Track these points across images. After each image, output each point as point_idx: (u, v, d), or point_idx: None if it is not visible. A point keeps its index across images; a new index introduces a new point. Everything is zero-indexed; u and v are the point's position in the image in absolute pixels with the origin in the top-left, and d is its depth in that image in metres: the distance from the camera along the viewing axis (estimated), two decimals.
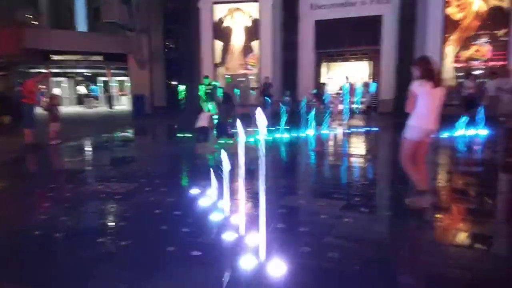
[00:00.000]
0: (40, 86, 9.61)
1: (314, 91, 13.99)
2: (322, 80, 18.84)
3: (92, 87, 25.93)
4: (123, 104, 24.70)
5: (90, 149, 9.49)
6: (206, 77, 13.34)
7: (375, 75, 17.11)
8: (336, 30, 16.77)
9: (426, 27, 14.74)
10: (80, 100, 25.55)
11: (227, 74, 18.14)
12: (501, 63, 14.01)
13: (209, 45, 17.75)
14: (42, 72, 9.59)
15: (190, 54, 19.28)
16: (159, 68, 20.21)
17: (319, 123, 8.00)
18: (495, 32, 14.14)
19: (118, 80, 26.30)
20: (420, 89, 4.08)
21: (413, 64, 4.31)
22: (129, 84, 21.99)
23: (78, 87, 26.17)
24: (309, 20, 16.99)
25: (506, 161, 6.71)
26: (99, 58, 22.08)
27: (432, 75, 4.10)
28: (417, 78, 4.14)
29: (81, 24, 24.02)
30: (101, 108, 23.81)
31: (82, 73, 26.67)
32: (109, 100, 23.39)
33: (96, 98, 25.13)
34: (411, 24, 15.13)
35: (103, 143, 10.27)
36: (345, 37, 16.87)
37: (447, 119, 6.96)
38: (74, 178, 6.30)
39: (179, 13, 18.38)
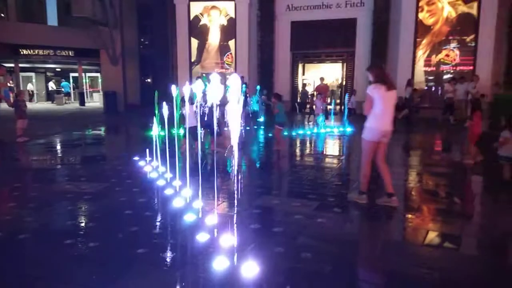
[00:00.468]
0: (7, 82, 9.24)
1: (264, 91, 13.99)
2: (299, 80, 19.03)
3: (63, 83, 25.13)
4: (96, 101, 24.07)
5: (58, 147, 9.18)
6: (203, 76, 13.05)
7: (349, 77, 17.40)
8: (312, 32, 16.94)
9: (399, 31, 15.12)
10: (51, 96, 24.71)
11: (203, 73, 17.99)
12: (469, 67, 14.54)
13: (185, 42, 17.54)
14: (0, 66, 9.03)
15: (166, 51, 19.02)
16: (133, 65, 19.80)
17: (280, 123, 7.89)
18: (464, 37, 14.66)
19: (90, 76, 25.61)
20: (375, 92, 4.26)
21: (367, 69, 4.52)
22: (101, 80, 21.46)
23: (49, 83, 25.30)
24: (285, 21, 17.09)
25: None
26: (70, 53, 21.43)
27: (385, 79, 4.31)
28: (372, 82, 4.36)
29: (52, 18, 23.21)
30: (72, 105, 23.11)
31: (52, 68, 25.80)
32: (81, 97, 22.73)
33: (67, 94, 24.37)
34: (385, 27, 15.48)
35: (72, 141, 9.95)
36: (321, 39, 17.08)
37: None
38: (40, 176, 6.07)
39: (154, 9, 18.09)
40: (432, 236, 3.63)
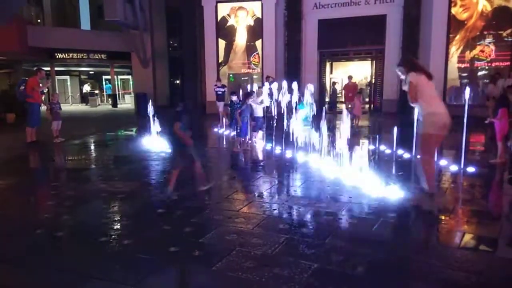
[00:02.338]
0: (42, 85, 9.73)
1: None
2: (327, 80, 18.82)
3: (107, 85, 26.03)
4: (127, 103, 24.76)
5: (93, 147, 9.52)
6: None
7: (378, 75, 17.04)
8: (340, 30, 16.69)
9: (431, 26, 14.64)
10: (85, 98, 25.66)
11: (230, 73, 18.15)
12: (505, 63, 13.92)
13: (213, 43, 17.75)
14: (40, 69, 9.59)
15: (194, 53, 19.31)
16: (162, 67, 20.24)
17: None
18: (500, 32, 14.04)
19: (122, 79, 26.38)
20: (419, 79, 4.04)
21: (398, 65, 4.33)
22: (132, 82, 22.05)
23: (84, 86, 26.30)
24: (312, 19, 16.93)
25: None
26: (103, 56, 22.15)
27: (420, 68, 4.13)
28: (406, 73, 4.16)
29: (85, 22, 24.11)
30: (105, 106, 23.89)
31: (86, 71, 26.78)
32: (113, 99, 23.46)
33: (111, 96, 24.80)
34: (416, 23, 15.03)
35: (106, 142, 10.30)
36: (349, 37, 16.78)
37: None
38: (76, 176, 6.32)
39: (183, 11, 18.39)
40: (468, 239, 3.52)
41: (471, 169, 6.06)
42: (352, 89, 14.19)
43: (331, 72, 20.67)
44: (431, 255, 3.13)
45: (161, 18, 20.02)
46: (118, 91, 25.47)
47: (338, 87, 18.31)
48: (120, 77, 25.88)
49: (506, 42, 13.99)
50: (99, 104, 24.25)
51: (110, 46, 20.50)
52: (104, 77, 26.09)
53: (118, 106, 23.23)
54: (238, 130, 8.26)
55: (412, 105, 4.23)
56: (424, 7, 14.91)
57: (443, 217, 4.06)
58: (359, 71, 20.03)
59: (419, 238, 3.74)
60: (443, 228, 3.86)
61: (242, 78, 18.03)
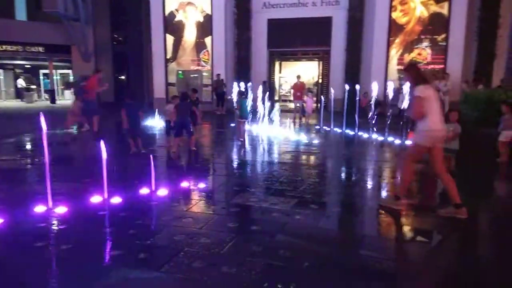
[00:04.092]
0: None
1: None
2: (277, 78, 19.07)
3: (45, 80, 24.18)
4: (67, 99, 23.36)
5: (26, 146, 8.85)
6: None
7: (325, 75, 17.57)
8: (289, 30, 16.98)
9: (373, 30, 15.38)
10: (19, 93, 23.79)
11: (179, 70, 17.77)
12: (440, 66, 14.97)
13: (160, 39, 17.27)
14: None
15: (140, 48, 18.65)
16: (105, 62, 19.34)
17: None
18: (435, 36, 15.07)
19: (61, 73, 24.83)
20: (426, 92, 4.02)
21: (404, 69, 4.34)
22: (72, 77, 20.83)
23: (18, 80, 24.35)
24: (262, 18, 17.06)
25: None
26: (41, 49, 20.71)
27: (425, 78, 4.12)
28: (411, 82, 4.16)
29: (21, 13, 22.35)
30: (43, 103, 22.34)
31: (21, 65, 24.85)
32: (51, 94, 22.00)
33: (49, 92, 23.10)
34: (359, 26, 15.69)
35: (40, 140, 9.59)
36: (298, 37, 17.14)
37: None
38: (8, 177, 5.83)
39: (128, 4, 17.71)
40: None
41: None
42: (300, 88, 14.48)
43: (280, 71, 20.96)
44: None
45: (104, 10, 19.11)
46: (57, 86, 23.95)
47: (286, 87, 18.61)
48: (59, 71, 24.33)
49: (440, 46, 15.06)
50: (35, 100, 22.62)
51: (49, 38, 19.22)
52: (42, 71, 24.38)
53: (57, 102, 21.83)
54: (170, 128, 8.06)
55: (414, 120, 4.24)
56: (367, 11, 15.61)
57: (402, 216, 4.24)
58: (307, 71, 20.50)
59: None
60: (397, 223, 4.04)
61: (191, 75, 17.74)
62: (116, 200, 4.44)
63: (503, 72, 14.68)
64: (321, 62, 18.05)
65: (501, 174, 6.43)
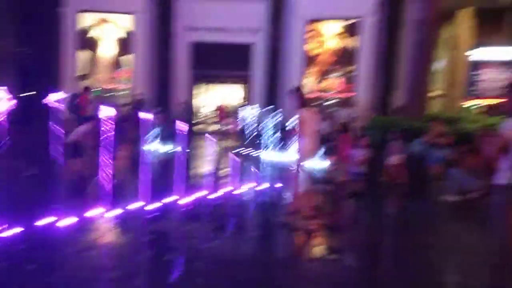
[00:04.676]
0: None
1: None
2: (200, 101, 18.99)
3: None
4: None
5: None
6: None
7: (248, 99, 18.00)
8: (212, 53, 17.14)
9: (290, 59, 16.27)
10: None
11: (95, 88, 16.79)
12: (351, 94, 16.28)
13: (72, 55, 16.22)
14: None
15: (51, 63, 17.30)
16: (8, 77, 17.52)
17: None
18: (346, 67, 16.43)
19: None
20: (308, 115, 4.39)
21: (290, 93, 4.69)
22: None
23: None
24: (185, 40, 17.00)
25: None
26: None
27: (308, 102, 4.52)
28: (296, 106, 4.49)
29: None
30: None
31: None
32: None
33: None
34: (277, 54, 16.45)
35: None
36: (221, 60, 17.36)
37: None
38: None
39: (38, 17, 16.43)
40: None
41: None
42: (223, 111, 14.66)
43: (203, 94, 20.99)
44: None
45: (9, 21, 17.46)
46: None
47: (208, 109, 18.68)
48: None
49: (351, 76, 16.41)
50: None
51: None
52: None
53: None
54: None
55: (295, 140, 4.58)
56: (285, 41, 16.45)
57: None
58: (230, 94, 20.84)
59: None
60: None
61: (108, 94, 16.88)
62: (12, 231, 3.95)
63: (402, 101, 16.39)
64: (244, 86, 18.50)
65: (386, 193, 7.09)
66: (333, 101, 16.35)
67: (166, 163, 8.65)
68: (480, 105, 13.01)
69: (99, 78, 16.69)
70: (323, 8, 15.86)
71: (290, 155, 8.45)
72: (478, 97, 12.90)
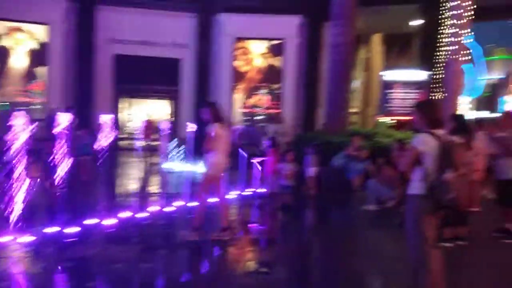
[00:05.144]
0: None
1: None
2: (124, 116, 18.15)
3: None
4: None
5: None
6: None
7: (175, 114, 17.68)
8: (138, 67, 16.58)
9: (219, 75, 16.41)
10: None
11: (3, 101, 15.22)
12: (277, 111, 16.84)
13: None
14: None
15: None
16: None
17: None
18: (272, 84, 17.01)
19: None
20: (220, 131, 4.47)
21: (203, 107, 4.73)
22: None
23: None
24: (108, 53, 16.24)
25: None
26: None
27: (221, 118, 4.58)
28: (209, 120, 4.55)
29: None
30: None
31: None
32: None
33: None
34: (206, 70, 16.49)
35: None
36: (147, 75, 16.86)
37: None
38: None
39: None
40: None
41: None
42: (150, 127, 14.16)
43: (127, 109, 20.17)
44: None
45: None
46: None
47: (133, 125, 17.93)
48: None
49: (277, 93, 17.01)
50: None
51: None
52: None
53: None
54: None
55: (205, 153, 4.60)
56: (213, 57, 16.57)
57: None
58: (158, 109, 20.29)
59: None
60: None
61: (19, 108, 15.38)
62: None
63: (324, 117, 17.37)
64: (171, 101, 18.15)
65: (311, 204, 7.47)
66: (261, 117, 16.77)
67: (89, 182, 8.06)
68: (393, 121, 14.28)
69: (9, 91, 15.19)
70: (249, 28, 16.34)
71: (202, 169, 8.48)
72: (391, 114, 14.14)
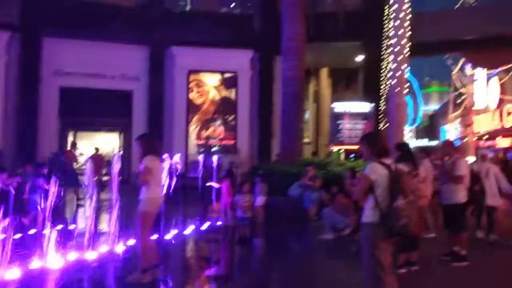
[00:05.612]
0: None
1: None
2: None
3: None
4: None
5: None
6: None
7: (126, 148, 17.14)
8: (86, 99, 16.02)
9: (173, 107, 16.28)
10: None
11: None
12: (232, 142, 16.89)
13: None
14: None
15: None
16: None
17: None
18: (227, 116, 17.13)
19: None
20: (153, 163, 4.34)
21: (136, 140, 4.62)
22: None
23: None
24: (54, 85, 15.59)
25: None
26: None
27: (156, 150, 4.48)
28: (141, 153, 4.43)
29: None
30: None
31: None
32: None
33: None
34: (160, 102, 16.30)
35: None
36: (96, 107, 16.34)
37: None
38: None
39: None
40: None
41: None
42: (99, 161, 13.57)
43: (74, 143, 19.23)
44: None
45: None
46: None
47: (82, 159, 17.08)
48: None
49: (231, 125, 17.12)
50: None
51: None
52: None
53: None
54: None
55: (141, 187, 4.42)
56: (167, 89, 16.47)
57: None
58: (107, 143, 19.58)
59: None
60: None
61: None
62: None
63: (279, 148, 17.67)
64: (122, 134, 17.61)
65: (268, 236, 7.48)
66: (216, 148, 16.74)
67: (30, 224, 7.46)
68: (344, 150, 14.81)
69: None
70: (202, 61, 16.55)
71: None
72: (341, 144, 14.69)
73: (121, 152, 17.49)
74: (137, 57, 16.35)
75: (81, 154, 18.33)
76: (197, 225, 7.59)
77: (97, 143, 17.25)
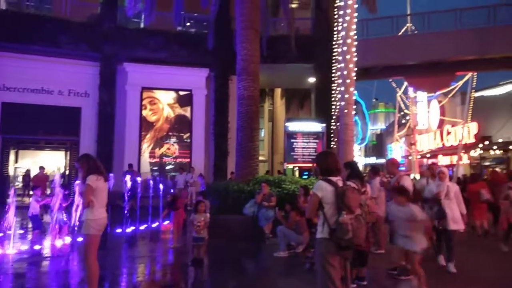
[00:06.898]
0: None
1: None
2: (11, 169, 16.13)
3: None
4: None
5: None
6: None
7: (73, 166, 16.33)
8: (29, 116, 15.19)
9: (125, 124, 15.83)
10: None
11: None
12: (187, 160, 16.67)
13: None
14: None
15: None
16: None
17: None
18: (181, 134, 16.92)
19: None
20: (97, 183, 4.21)
21: (76, 161, 4.48)
22: None
23: None
24: None
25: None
26: None
27: (99, 169, 4.36)
28: (82, 173, 4.30)
29: None
30: None
31: None
32: None
33: None
34: (110, 120, 15.79)
35: None
36: (40, 124, 15.53)
37: None
38: None
39: None
40: None
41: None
42: (42, 180, 12.80)
43: (16, 161, 18.09)
44: None
45: None
46: None
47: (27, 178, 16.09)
48: None
49: (186, 143, 16.93)
50: None
51: None
52: None
53: None
54: None
55: (85, 209, 4.27)
56: (118, 106, 16.01)
57: None
58: (52, 161, 18.57)
59: None
60: None
61: None
62: None
63: (234, 166, 17.67)
64: (68, 152, 16.80)
65: (223, 256, 7.42)
66: (171, 166, 16.44)
67: None
68: (298, 168, 15.12)
69: None
70: (155, 78, 16.35)
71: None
72: (295, 162, 14.99)
73: (67, 171, 16.64)
74: (86, 72, 15.83)
75: (19, 175, 17.26)
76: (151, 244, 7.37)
77: (42, 162, 16.31)
